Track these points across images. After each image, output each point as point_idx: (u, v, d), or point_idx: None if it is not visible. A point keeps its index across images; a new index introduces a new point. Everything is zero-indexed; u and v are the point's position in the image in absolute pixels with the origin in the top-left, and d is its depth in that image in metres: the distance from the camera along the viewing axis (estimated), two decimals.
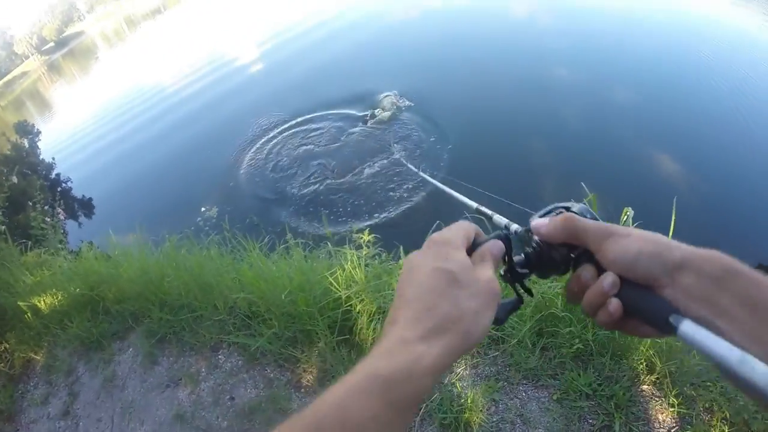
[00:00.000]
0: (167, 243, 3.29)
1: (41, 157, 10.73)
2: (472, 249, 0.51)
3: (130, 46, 30.89)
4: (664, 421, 1.74)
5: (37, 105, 26.18)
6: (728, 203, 4.97)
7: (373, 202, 5.49)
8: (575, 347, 1.92)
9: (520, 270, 0.54)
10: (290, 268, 2.32)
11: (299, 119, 7.82)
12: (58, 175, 10.15)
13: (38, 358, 3.29)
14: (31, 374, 3.28)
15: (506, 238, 0.53)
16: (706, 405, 1.74)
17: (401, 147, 6.31)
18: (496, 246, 0.51)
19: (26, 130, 13.69)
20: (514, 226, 0.62)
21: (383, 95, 7.57)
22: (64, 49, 51.65)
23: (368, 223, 5.06)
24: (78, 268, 3.51)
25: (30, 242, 5.14)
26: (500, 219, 0.71)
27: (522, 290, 0.55)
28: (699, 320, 0.37)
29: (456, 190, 1.20)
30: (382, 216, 5.25)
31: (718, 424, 1.65)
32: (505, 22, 11.24)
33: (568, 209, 0.54)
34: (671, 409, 1.75)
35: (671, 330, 0.39)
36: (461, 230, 0.51)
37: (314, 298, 2.17)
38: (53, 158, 10.86)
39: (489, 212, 0.80)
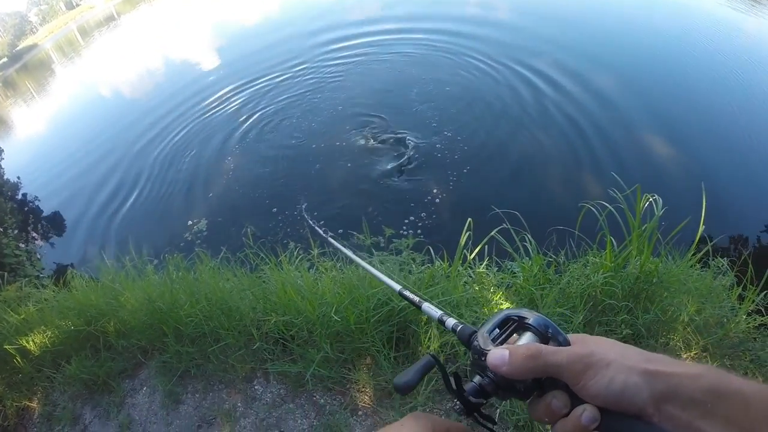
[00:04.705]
0: (169, 265, 2.93)
1: (5, 177, 9.90)
2: None
3: (85, 56, 29.20)
4: None
5: None
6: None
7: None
8: (624, 333, 1.89)
9: (473, 400, 0.46)
10: (334, 283, 2.03)
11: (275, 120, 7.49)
12: (24, 195, 9.41)
13: (34, 405, 2.91)
14: (28, 424, 2.90)
15: (456, 377, 0.47)
16: (741, 373, 1.69)
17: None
18: None
19: None
20: (451, 321, 0.54)
21: None
22: (17, 64, 48.65)
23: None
24: (69, 300, 3.11)
25: (5, 273, 4.65)
26: (431, 309, 0.60)
27: (482, 419, 0.48)
28: None
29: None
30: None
31: None
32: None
33: (522, 320, 0.47)
34: None
35: None
36: None
37: (366, 312, 1.89)
38: (18, 177, 10.05)
39: (416, 299, 0.67)
